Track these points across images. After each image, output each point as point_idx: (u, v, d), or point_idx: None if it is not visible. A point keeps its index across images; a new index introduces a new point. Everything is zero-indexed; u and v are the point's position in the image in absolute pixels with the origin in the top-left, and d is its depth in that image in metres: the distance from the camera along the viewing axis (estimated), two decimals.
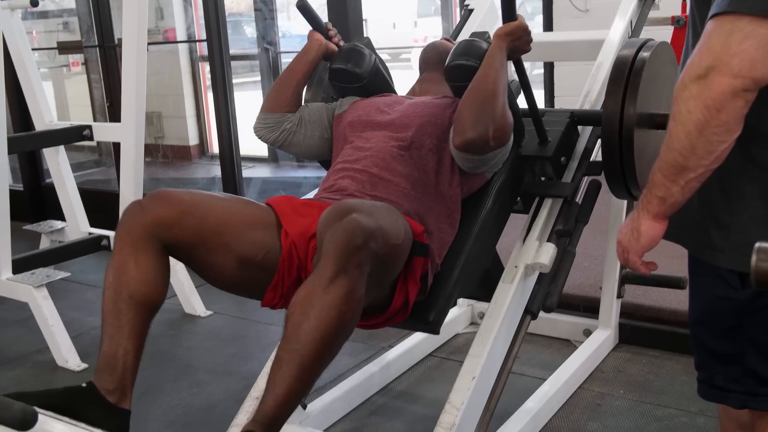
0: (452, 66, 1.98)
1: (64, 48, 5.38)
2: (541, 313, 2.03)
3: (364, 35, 3.69)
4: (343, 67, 2.14)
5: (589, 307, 2.91)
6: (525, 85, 2.02)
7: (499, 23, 1.94)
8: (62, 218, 3.77)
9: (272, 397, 1.45)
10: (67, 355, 2.93)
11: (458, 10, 5.25)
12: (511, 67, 1.99)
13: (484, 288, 2.08)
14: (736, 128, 1.16)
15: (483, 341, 1.93)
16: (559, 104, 4.64)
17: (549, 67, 4.69)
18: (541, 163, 2.09)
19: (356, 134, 2.04)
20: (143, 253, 1.64)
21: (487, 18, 2.73)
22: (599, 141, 2.07)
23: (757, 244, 0.64)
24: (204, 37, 6.24)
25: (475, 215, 2.00)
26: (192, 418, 2.54)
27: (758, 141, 1.25)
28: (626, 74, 1.92)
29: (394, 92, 2.27)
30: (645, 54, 1.96)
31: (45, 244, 3.82)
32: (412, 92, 2.25)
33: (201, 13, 6.48)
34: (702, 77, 1.13)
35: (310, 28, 2.16)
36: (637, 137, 1.92)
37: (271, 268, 1.74)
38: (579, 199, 2.12)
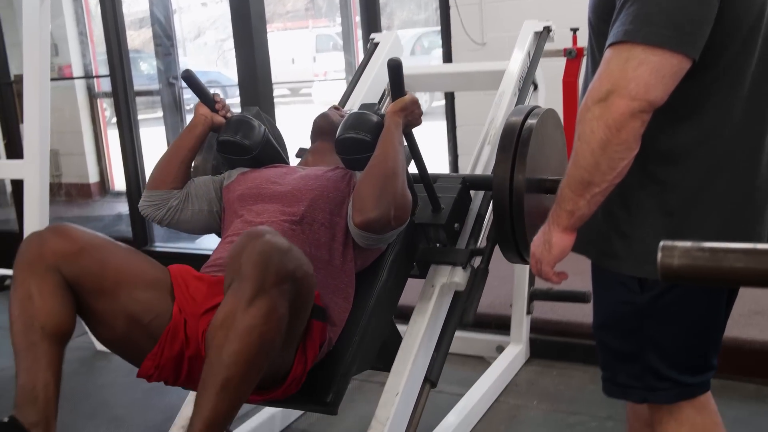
0: (342, 139, 1.95)
1: None
2: (456, 332, 2.12)
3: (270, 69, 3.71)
4: (232, 139, 2.07)
5: (501, 325, 3.02)
6: (416, 154, 2.04)
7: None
8: None
9: (200, 420, 1.47)
10: None
11: (360, 44, 5.36)
12: None
13: (381, 359, 2.05)
14: (634, 146, 1.27)
15: (405, 358, 2.00)
16: (461, 133, 4.78)
17: (450, 98, 4.85)
18: (435, 230, 2.10)
19: (246, 207, 1.97)
20: (46, 284, 1.61)
21: (392, 52, 2.84)
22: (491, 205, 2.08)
23: (662, 243, 0.72)
24: (102, 72, 6.16)
25: (370, 289, 1.97)
26: None
27: (654, 158, 1.36)
28: (515, 142, 1.92)
29: (286, 162, 2.22)
30: (532, 121, 1.95)
31: None
32: (305, 163, 2.22)
33: (98, 48, 6.38)
34: (603, 100, 1.24)
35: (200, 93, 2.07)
36: (527, 201, 1.93)
37: (155, 335, 1.69)
38: (488, 223, 2.20)
